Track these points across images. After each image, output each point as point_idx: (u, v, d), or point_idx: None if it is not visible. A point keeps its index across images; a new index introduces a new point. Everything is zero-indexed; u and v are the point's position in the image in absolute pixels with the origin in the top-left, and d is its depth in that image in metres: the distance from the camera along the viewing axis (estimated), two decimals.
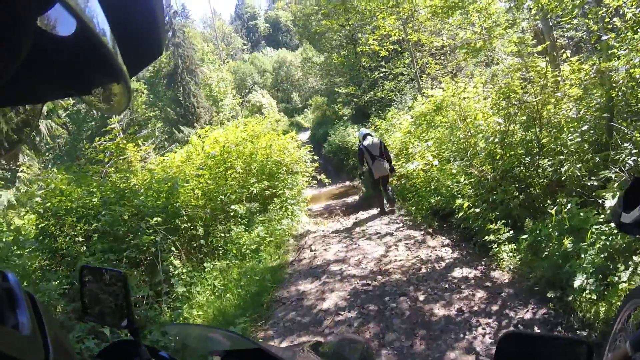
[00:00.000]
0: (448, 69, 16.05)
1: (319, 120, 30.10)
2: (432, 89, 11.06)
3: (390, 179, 8.64)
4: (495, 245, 5.03)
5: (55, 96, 0.53)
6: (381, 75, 18.43)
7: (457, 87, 8.97)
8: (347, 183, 18.81)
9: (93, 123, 27.54)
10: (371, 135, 8.46)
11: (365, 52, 18.59)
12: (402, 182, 8.15)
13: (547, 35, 7.21)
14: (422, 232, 6.63)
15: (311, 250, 6.93)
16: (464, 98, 7.86)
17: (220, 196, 7.65)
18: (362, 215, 9.47)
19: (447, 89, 9.26)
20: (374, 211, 9.19)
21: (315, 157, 12.01)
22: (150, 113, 35.63)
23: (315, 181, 11.93)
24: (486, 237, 5.14)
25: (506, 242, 4.98)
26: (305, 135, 29.93)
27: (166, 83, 34.75)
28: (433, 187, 6.99)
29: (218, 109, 34.39)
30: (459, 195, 6.21)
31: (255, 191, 8.66)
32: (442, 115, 9.22)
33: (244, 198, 8.69)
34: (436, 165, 7.09)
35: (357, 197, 15.26)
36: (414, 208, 7.60)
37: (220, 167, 8.86)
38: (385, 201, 8.54)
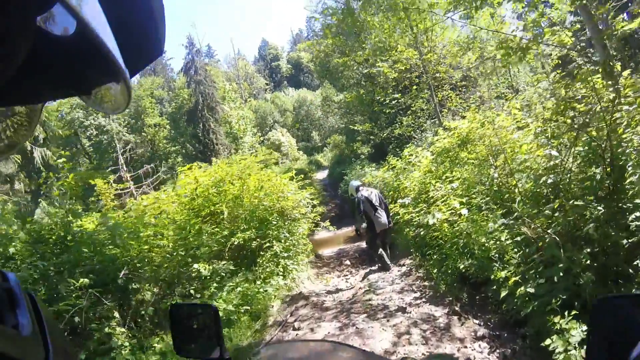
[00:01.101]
0: (470, 102, 14.45)
1: (337, 158, 28.91)
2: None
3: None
4: (561, 351, 3.09)
5: (55, 96, 0.48)
6: (398, 108, 16.86)
7: (485, 116, 7.27)
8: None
9: (114, 154, 26.41)
10: (366, 187, 7.81)
11: (380, 84, 17.21)
12: (421, 232, 6.29)
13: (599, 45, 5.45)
14: (447, 310, 4.69)
15: (294, 329, 5.04)
16: (496, 128, 6.06)
17: (180, 251, 5.91)
18: (374, 271, 7.68)
19: (472, 119, 7.56)
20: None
21: (320, 196, 10.48)
22: (171, 148, 35.29)
23: (319, 227, 10.27)
24: (546, 336, 3.22)
25: (577, 346, 3.06)
26: (323, 174, 28.57)
27: (187, 119, 34.44)
28: (462, 244, 5.06)
29: (237, 146, 33.50)
30: (499, 260, 4.33)
31: (237, 242, 6.91)
32: (467, 150, 7.43)
33: (226, 252, 6.97)
34: (465, 214, 5.19)
35: None
36: (435, 270, 5.65)
37: (196, 212, 7.22)
38: (385, 257, 7.55)
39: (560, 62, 11.32)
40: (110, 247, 5.08)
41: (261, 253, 7.24)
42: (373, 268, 8.10)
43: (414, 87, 15.75)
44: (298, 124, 41.93)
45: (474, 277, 4.72)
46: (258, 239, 7.35)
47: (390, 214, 7.75)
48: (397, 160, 10.46)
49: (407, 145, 10.85)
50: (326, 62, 24.29)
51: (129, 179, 17.11)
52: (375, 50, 16.31)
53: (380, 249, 7.66)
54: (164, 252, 5.80)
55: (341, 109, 27.22)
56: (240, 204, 7.50)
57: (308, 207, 9.30)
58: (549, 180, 4.26)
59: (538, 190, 4.52)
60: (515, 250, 4.22)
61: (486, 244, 4.65)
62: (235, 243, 6.96)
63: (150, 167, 20.46)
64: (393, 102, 16.64)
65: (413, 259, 7.27)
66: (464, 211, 5.16)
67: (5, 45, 0.30)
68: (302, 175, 11.04)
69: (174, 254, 5.97)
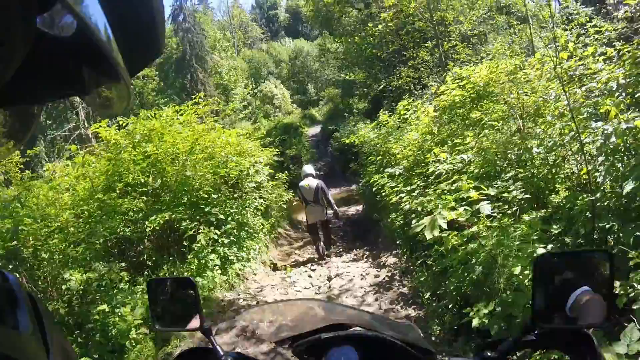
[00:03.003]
0: (482, 55, 11.86)
1: (331, 113, 26.51)
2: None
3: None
4: None
5: (55, 96, 0.47)
6: (397, 60, 14.32)
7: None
8: (353, 187, 15.52)
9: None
10: (312, 177, 6.91)
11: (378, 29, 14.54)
12: (413, 222, 4.07)
13: None
14: None
15: None
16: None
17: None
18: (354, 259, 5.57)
19: (493, 65, 5.27)
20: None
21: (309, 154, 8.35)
22: (160, 100, 32.57)
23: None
24: None
25: None
26: (317, 129, 26.23)
27: (175, 70, 31.63)
28: (478, 267, 2.77)
29: (228, 98, 30.79)
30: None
31: (154, 226, 4.75)
32: (483, 108, 5.13)
33: (146, 238, 4.86)
34: (486, 213, 2.88)
35: (360, 208, 11.48)
36: (427, 296, 3.46)
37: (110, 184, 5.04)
38: (321, 245, 6.86)
39: None
40: None
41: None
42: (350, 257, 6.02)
43: (416, 32, 13.18)
44: (293, 76, 38.94)
45: (495, 335, 2.49)
46: (193, 221, 5.19)
47: (333, 204, 6.97)
48: (390, 116, 8.01)
49: (404, 98, 8.30)
50: (322, 7, 21.38)
51: (90, 136, 14.65)
52: None
53: (319, 243, 6.89)
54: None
55: (338, 59, 24.88)
56: (162, 170, 5.24)
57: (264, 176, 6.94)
58: None
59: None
60: None
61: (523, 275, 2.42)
62: (152, 227, 4.79)
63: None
64: (390, 49, 14.07)
65: (398, 258, 5.11)
66: (485, 207, 2.83)
67: (5, 45, 0.29)
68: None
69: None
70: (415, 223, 4.13)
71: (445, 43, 12.66)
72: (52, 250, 4.02)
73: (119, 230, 4.97)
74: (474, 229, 2.73)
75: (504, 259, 2.54)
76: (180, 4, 31.51)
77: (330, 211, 6.93)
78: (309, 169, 7.29)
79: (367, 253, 6.46)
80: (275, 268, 6.45)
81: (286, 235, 9.20)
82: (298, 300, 2.76)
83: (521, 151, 3.78)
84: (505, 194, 2.98)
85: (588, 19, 7.07)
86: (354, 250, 7.00)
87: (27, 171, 5.17)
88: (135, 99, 32.08)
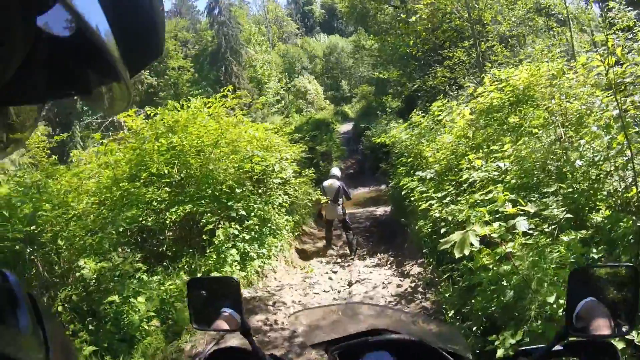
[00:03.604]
0: (521, 58, 11.27)
1: (364, 111, 26.15)
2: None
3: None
4: None
5: (55, 96, 0.45)
6: (432, 59, 13.91)
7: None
8: (383, 187, 15.05)
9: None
10: (337, 179, 7.44)
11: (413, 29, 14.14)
12: (442, 231, 3.83)
13: None
14: None
15: None
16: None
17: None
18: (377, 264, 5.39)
19: (535, 68, 4.95)
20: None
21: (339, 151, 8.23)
22: (194, 91, 33.05)
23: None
24: None
25: None
26: (348, 126, 25.99)
27: (210, 62, 32.03)
28: (509, 295, 2.48)
29: (261, 92, 30.92)
30: None
31: (176, 218, 4.72)
32: (522, 113, 4.81)
33: (167, 230, 4.85)
34: (524, 229, 2.60)
35: (388, 209, 11.21)
36: (451, 314, 3.23)
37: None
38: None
39: None
40: None
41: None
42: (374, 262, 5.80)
43: (453, 32, 12.72)
44: (327, 72, 38.69)
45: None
46: (215, 215, 5.13)
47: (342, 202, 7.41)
48: (423, 116, 7.69)
49: (438, 98, 7.94)
50: (357, 3, 21.06)
51: (122, 124, 14.89)
52: None
53: (331, 235, 7.65)
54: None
55: (372, 56, 24.40)
56: (186, 162, 5.18)
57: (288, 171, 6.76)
58: None
59: None
60: None
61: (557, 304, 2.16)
62: (174, 218, 4.75)
63: None
64: (425, 47, 13.65)
65: (423, 268, 4.85)
66: (522, 224, 2.56)
67: (5, 45, 0.29)
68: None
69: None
70: (444, 232, 3.91)
71: (483, 43, 12.18)
72: (70, 237, 4.01)
73: (140, 219, 4.96)
74: (509, 247, 2.47)
75: (538, 284, 2.28)
76: None
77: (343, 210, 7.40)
78: (336, 170, 7.87)
79: (392, 259, 6.22)
80: (296, 267, 6.31)
81: (310, 233, 9.06)
82: (338, 305, 2.68)
83: (561, 163, 3.47)
84: (546, 212, 2.69)
85: (634, 22, 6.55)
86: (378, 255, 6.77)
87: (53, 156, 5.20)
88: (171, 89, 32.68)
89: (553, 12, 14.26)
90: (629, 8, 7.74)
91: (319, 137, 19.30)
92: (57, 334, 0.47)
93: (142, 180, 5.22)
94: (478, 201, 3.36)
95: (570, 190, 2.99)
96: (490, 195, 3.10)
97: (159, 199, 5.05)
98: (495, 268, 2.57)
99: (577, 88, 4.20)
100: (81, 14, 0.29)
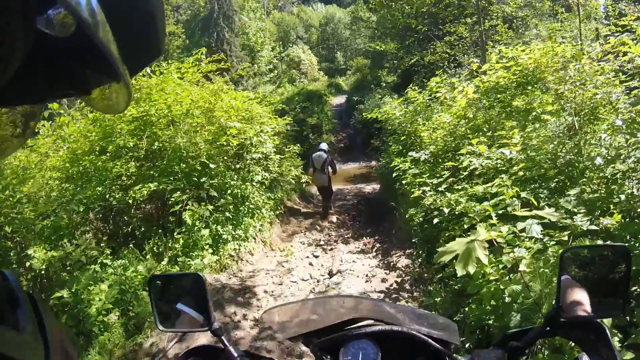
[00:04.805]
0: (525, 39, 10.65)
1: (358, 84, 25.48)
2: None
3: None
4: None
5: (55, 96, 0.44)
6: (432, 32, 13.22)
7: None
8: (373, 163, 14.79)
9: None
10: (324, 152, 8.30)
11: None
12: (435, 221, 3.39)
13: None
14: None
15: None
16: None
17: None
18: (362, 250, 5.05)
19: (546, 47, 4.45)
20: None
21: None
22: (185, 58, 31.80)
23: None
24: None
25: None
26: (341, 99, 25.33)
27: (201, 28, 30.67)
28: (515, 318, 2.03)
29: (254, 60, 29.83)
30: None
31: (139, 196, 4.22)
32: (529, 96, 4.31)
33: (132, 209, 4.34)
34: (536, 234, 2.14)
35: (377, 187, 10.82)
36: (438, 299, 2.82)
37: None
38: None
39: None
40: None
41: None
42: (358, 247, 5.38)
43: (455, 7, 12.01)
44: (322, 43, 37.49)
45: None
46: (185, 192, 4.62)
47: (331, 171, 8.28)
48: (419, 92, 7.13)
49: (437, 74, 7.36)
50: None
51: None
52: None
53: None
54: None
55: (370, 28, 24.11)
56: (153, 134, 4.61)
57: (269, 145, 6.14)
58: None
59: None
60: None
61: None
62: (138, 197, 4.25)
63: None
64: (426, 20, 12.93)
65: (412, 261, 4.42)
66: (535, 228, 2.10)
67: (5, 45, 0.28)
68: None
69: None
70: (436, 222, 3.47)
71: (487, 21, 11.52)
72: (20, 220, 3.51)
73: (108, 196, 4.46)
74: (522, 265, 2.00)
75: (550, 306, 1.85)
76: None
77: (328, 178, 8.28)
78: (323, 145, 8.83)
79: (378, 245, 5.78)
80: (275, 249, 5.86)
81: (296, 209, 8.61)
82: (314, 299, 2.61)
83: (573, 156, 3.00)
84: (568, 220, 2.20)
85: None
86: (364, 239, 6.34)
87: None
88: (161, 55, 31.43)
89: None
90: None
91: (309, 109, 18.59)
92: (57, 334, 0.45)
93: (108, 154, 4.68)
94: (479, 193, 2.89)
95: (588, 190, 2.52)
96: (495, 189, 2.62)
97: (127, 174, 4.53)
98: (498, 282, 2.12)
99: (595, 74, 3.70)
100: (81, 14, 0.28)
